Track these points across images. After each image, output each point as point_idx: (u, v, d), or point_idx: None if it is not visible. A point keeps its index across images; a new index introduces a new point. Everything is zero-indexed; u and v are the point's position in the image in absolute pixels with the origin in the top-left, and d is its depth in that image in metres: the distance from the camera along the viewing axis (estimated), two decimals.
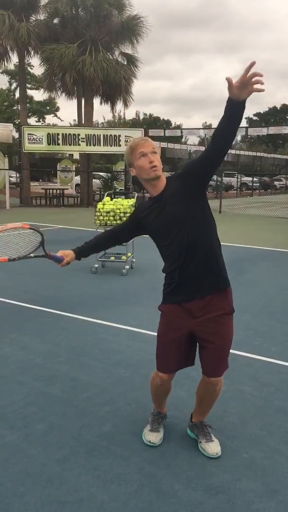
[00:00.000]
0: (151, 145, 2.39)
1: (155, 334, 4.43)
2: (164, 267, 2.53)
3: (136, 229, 2.67)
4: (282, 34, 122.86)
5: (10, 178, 21.07)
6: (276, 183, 38.28)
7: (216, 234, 2.47)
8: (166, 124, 51.17)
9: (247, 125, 51.39)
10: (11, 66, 23.45)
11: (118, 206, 7.27)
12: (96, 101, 21.32)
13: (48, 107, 38.00)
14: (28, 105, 27.48)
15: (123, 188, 21.05)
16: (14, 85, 35.32)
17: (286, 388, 3.46)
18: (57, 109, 39.01)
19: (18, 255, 2.64)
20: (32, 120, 34.55)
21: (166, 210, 2.39)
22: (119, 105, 22.83)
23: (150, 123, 47.10)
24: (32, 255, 2.67)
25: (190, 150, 31.10)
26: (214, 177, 24.06)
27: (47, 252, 2.67)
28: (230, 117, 2.11)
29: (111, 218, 7.23)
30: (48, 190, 21.82)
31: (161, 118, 52.42)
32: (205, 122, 64.63)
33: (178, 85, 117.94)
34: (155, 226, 2.47)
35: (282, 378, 3.64)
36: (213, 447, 2.63)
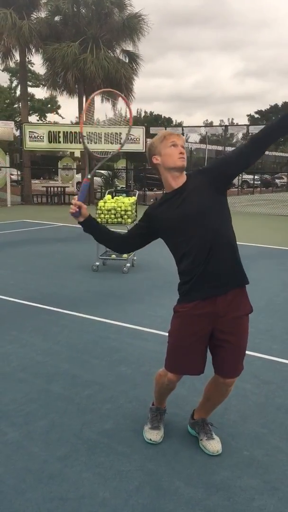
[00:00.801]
0: (183, 140, 2.48)
1: (156, 332, 4.48)
2: (181, 266, 2.45)
3: (148, 233, 2.56)
4: (284, 32, 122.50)
5: (11, 176, 21.05)
6: (277, 181, 38.19)
7: (233, 229, 2.49)
8: (168, 122, 51.08)
9: (248, 123, 51.31)
10: (11, 64, 23.33)
11: (119, 204, 7.27)
12: (98, 98, 21.30)
13: (49, 105, 37.97)
14: (29, 103, 27.45)
15: (124, 186, 21.05)
16: (15, 83, 35.29)
17: (287, 386, 3.47)
18: (59, 107, 39.00)
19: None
20: (33, 118, 34.55)
21: (190, 202, 2.38)
22: (120, 103, 22.77)
23: (151, 120, 47.03)
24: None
25: (191, 148, 31.07)
26: None
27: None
28: (282, 127, 2.28)
29: (112, 216, 7.23)
30: (49, 188, 21.82)
31: (163, 116, 52.32)
32: (207, 120, 64.59)
33: (179, 82, 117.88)
34: (175, 219, 2.39)
35: (283, 376, 3.65)
36: (214, 445, 2.64)
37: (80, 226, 2.61)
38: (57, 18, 20.25)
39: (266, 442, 2.75)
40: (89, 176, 2.67)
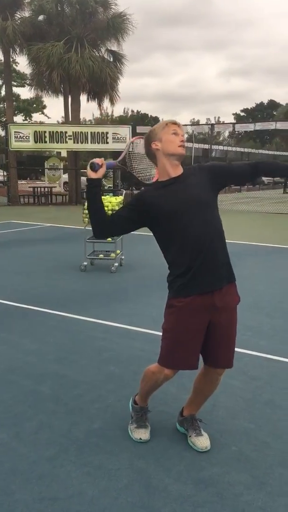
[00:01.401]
0: (183, 132, 2.53)
1: (145, 331, 4.49)
2: (173, 257, 2.41)
3: (136, 219, 2.45)
4: (268, 31, 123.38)
5: None
6: (264, 178, 38.40)
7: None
8: (154, 121, 51.09)
9: (235, 121, 51.52)
10: None
11: (106, 204, 7.24)
12: (83, 98, 21.26)
13: (34, 105, 37.76)
14: (14, 103, 27.28)
15: (112, 186, 21.02)
16: None
17: (274, 381, 3.50)
18: (44, 106, 38.79)
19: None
20: (18, 118, 34.30)
21: (191, 193, 2.40)
22: (107, 102, 22.74)
23: (137, 119, 47.01)
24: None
25: None
26: None
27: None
28: (283, 175, 2.69)
29: None
30: (36, 189, 21.73)
31: (149, 115, 52.34)
32: (193, 118, 64.75)
33: (166, 82, 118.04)
34: (173, 205, 2.37)
35: (270, 371, 3.68)
36: (202, 441, 2.66)
37: (87, 184, 2.57)
38: (41, 18, 20.18)
39: (254, 438, 2.77)
40: (118, 161, 2.70)
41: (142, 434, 2.73)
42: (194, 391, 2.76)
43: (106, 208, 7.84)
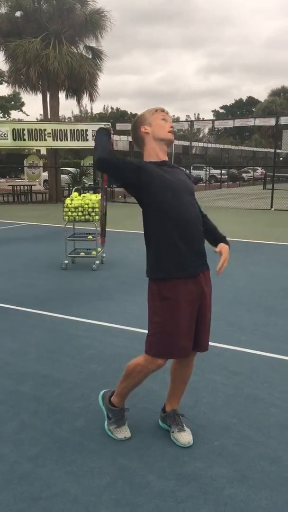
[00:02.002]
0: (171, 119, 2.61)
1: (127, 328, 4.49)
2: (165, 232, 2.40)
3: (137, 177, 2.40)
4: (246, 29, 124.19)
5: None
6: (244, 175, 38.72)
7: None
8: (134, 117, 51.01)
9: (214, 118, 51.77)
10: None
11: (86, 202, 7.23)
12: (62, 95, 21.11)
13: (12, 102, 37.38)
14: None
15: (92, 183, 20.93)
16: None
17: (255, 376, 3.53)
18: (22, 104, 38.43)
19: None
20: None
21: (179, 176, 2.52)
22: (86, 99, 22.63)
23: (117, 117, 46.88)
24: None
25: None
26: (183, 169, 24.16)
27: None
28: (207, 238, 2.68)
29: (80, 213, 7.18)
30: (15, 187, 21.50)
31: (129, 112, 52.23)
32: (173, 115, 64.71)
33: (145, 79, 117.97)
34: (168, 182, 2.41)
35: (251, 366, 3.72)
36: (185, 437, 2.67)
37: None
38: (18, 14, 19.94)
39: (236, 432, 2.80)
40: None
41: (125, 433, 2.73)
42: (173, 380, 2.77)
43: (86, 206, 7.74)
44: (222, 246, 2.61)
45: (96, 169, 2.39)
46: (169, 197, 2.40)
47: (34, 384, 3.40)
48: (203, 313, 2.56)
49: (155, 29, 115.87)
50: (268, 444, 2.67)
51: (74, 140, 18.85)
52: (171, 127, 2.52)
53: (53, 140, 18.68)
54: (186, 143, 25.22)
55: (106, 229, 6.53)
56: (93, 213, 7.17)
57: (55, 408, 3.07)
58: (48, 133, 18.51)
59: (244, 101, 68.75)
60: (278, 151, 21.25)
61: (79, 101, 21.38)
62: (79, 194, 7.65)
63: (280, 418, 2.94)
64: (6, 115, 37.76)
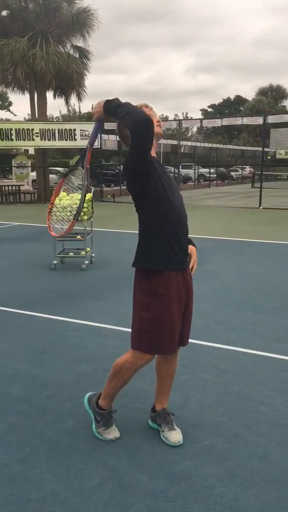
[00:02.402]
0: (156, 114, 2.60)
1: (116, 328, 4.48)
2: (160, 226, 2.42)
3: (149, 161, 2.39)
4: (233, 28, 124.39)
5: None
6: (232, 173, 38.85)
7: None
8: None
9: (202, 117, 51.89)
10: None
11: (75, 201, 7.19)
12: (50, 95, 21.01)
13: (0, 102, 37.15)
14: None
15: (81, 183, 20.83)
16: None
17: (244, 374, 3.54)
18: (10, 103, 38.21)
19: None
20: None
21: (169, 175, 2.55)
22: (74, 99, 22.55)
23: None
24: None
25: None
26: (172, 169, 24.21)
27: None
28: None
29: (68, 213, 7.12)
30: (3, 187, 21.36)
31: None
32: (162, 114, 64.71)
33: (133, 78, 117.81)
34: (165, 178, 2.46)
35: (240, 364, 3.73)
36: (175, 435, 2.67)
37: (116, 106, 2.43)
38: (4, 13, 19.80)
39: (226, 430, 2.80)
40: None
41: (114, 433, 2.72)
42: (160, 377, 2.78)
43: (74, 205, 7.67)
44: (191, 248, 2.64)
45: (137, 127, 2.23)
46: (165, 193, 2.43)
47: (23, 386, 3.38)
48: (188, 308, 2.62)
49: (143, 28, 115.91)
50: (258, 442, 2.68)
51: (62, 140, 18.78)
52: (158, 121, 2.53)
53: (41, 139, 18.59)
54: (175, 142, 25.25)
55: (94, 229, 6.51)
56: (82, 213, 7.14)
57: (44, 409, 3.06)
58: (36, 133, 18.42)
59: (232, 100, 69.01)
60: (266, 149, 21.34)
61: (67, 100, 21.30)
62: (68, 194, 7.61)
63: (269, 416, 2.95)
64: None
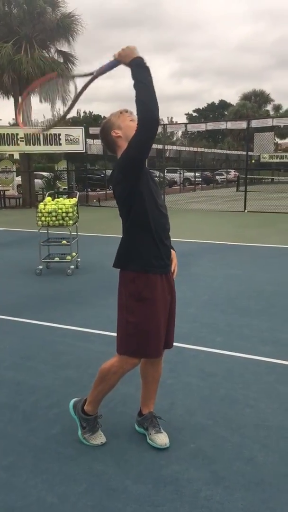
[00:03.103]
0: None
1: (103, 332, 4.47)
2: (151, 229, 2.43)
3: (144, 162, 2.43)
4: (215, 34, 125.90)
5: None
6: (217, 177, 39.04)
7: None
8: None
9: (187, 121, 52.16)
10: None
11: (60, 206, 7.18)
12: (35, 99, 20.94)
13: None
14: None
15: (67, 188, 20.80)
16: None
17: (230, 377, 3.56)
18: None
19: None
20: None
21: (154, 180, 2.57)
22: (59, 104, 22.48)
23: (90, 121, 46.74)
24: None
25: None
26: (157, 173, 24.25)
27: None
28: None
29: (54, 218, 7.13)
30: None
31: (102, 116, 52.12)
32: None
33: (119, 83, 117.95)
34: (153, 182, 2.50)
35: (226, 367, 3.75)
36: (162, 438, 2.68)
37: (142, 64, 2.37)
38: None
39: (212, 433, 2.81)
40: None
41: (101, 438, 2.71)
42: (145, 381, 2.78)
43: (60, 211, 7.68)
44: (172, 252, 2.65)
45: (148, 121, 2.25)
46: (153, 198, 2.45)
47: (9, 392, 3.36)
48: (172, 311, 2.64)
49: (127, 34, 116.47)
50: (243, 445, 2.69)
51: (48, 145, 18.71)
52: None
53: (26, 144, 18.50)
54: (160, 147, 25.32)
55: (80, 233, 6.48)
56: (67, 218, 7.13)
57: (30, 415, 3.04)
58: (20, 138, 18.33)
59: (217, 104, 69.52)
60: (250, 153, 21.52)
61: (52, 105, 21.23)
62: (53, 199, 7.60)
63: (255, 418, 2.97)
64: None
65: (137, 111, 2.31)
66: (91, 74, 2.53)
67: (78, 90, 2.56)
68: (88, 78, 2.54)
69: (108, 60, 2.47)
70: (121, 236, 2.54)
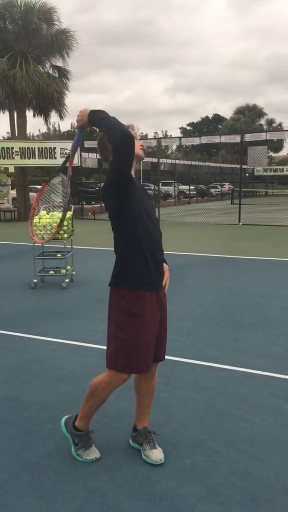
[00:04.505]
0: (138, 137, 2.66)
1: (97, 346, 4.46)
2: (138, 246, 2.45)
3: (130, 179, 2.43)
4: (207, 51, 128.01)
5: None
6: (212, 190, 39.25)
7: None
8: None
9: (181, 135, 52.55)
10: None
11: (54, 220, 7.19)
12: (30, 113, 21.06)
13: None
14: None
15: (61, 201, 20.80)
16: None
17: (225, 391, 3.55)
18: None
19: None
20: None
21: (147, 195, 2.67)
22: (54, 117, 22.64)
23: (86, 135, 46.94)
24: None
25: None
26: (152, 186, 24.34)
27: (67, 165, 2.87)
28: None
29: (48, 232, 7.13)
30: None
31: (97, 130, 52.40)
32: (142, 132, 65.35)
33: (113, 98, 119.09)
34: (144, 199, 2.53)
35: (221, 381, 3.74)
36: (156, 454, 2.66)
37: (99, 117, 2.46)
38: None
39: (207, 448, 2.80)
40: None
41: (95, 454, 2.69)
42: (139, 396, 2.77)
43: (54, 224, 7.66)
44: (164, 266, 2.66)
45: (120, 143, 2.31)
46: (144, 212, 2.48)
47: (2, 407, 3.33)
48: (163, 325, 2.66)
49: (122, 50, 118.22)
50: (239, 459, 2.68)
51: (43, 158, 18.79)
52: (141, 145, 2.59)
53: (21, 158, 18.56)
54: (155, 160, 25.47)
55: (75, 247, 6.49)
56: (62, 231, 7.14)
57: (24, 431, 3.01)
58: (16, 151, 18.39)
59: (210, 118, 70.16)
60: (244, 167, 21.67)
61: (46, 119, 21.36)
62: (48, 213, 7.60)
63: (250, 433, 2.96)
64: None
65: (109, 142, 2.38)
66: (68, 156, 2.86)
67: (66, 177, 2.93)
68: (67, 159, 2.89)
69: (75, 135, 2.79)
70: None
